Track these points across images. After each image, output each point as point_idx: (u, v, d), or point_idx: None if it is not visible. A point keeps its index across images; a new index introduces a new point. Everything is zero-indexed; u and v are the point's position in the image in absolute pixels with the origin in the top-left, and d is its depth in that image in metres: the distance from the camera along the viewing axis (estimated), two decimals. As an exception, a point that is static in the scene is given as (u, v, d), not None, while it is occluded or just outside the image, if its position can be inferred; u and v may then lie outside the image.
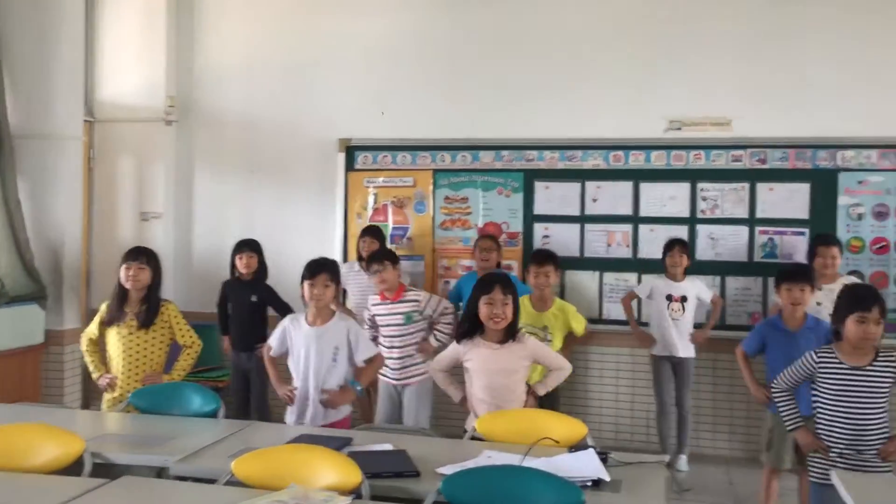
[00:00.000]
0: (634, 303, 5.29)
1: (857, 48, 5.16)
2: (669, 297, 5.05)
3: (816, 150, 5.20)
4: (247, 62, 6.14)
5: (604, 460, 2.71)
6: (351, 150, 5.92)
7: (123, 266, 4.07)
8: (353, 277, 5.39)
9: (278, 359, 3.87)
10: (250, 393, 5.18)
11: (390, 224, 5.86)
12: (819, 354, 3.20)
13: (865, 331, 3.06)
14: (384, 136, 5.87)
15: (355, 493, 2.38)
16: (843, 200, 5.16)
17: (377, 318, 4.61)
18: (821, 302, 4.46)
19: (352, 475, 2.42)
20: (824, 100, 5.18)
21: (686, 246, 5.10)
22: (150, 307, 4.07)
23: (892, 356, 3.14)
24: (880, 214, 5.11)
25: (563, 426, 3.10)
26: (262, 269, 5.24)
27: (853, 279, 4.82)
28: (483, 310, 3.41)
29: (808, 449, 3.28)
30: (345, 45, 5.96)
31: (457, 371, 3.60)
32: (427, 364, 4.59)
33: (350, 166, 5.93)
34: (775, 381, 3.39)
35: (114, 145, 6.15)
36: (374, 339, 4.55)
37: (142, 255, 4.10)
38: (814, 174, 5.21)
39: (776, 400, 3.40)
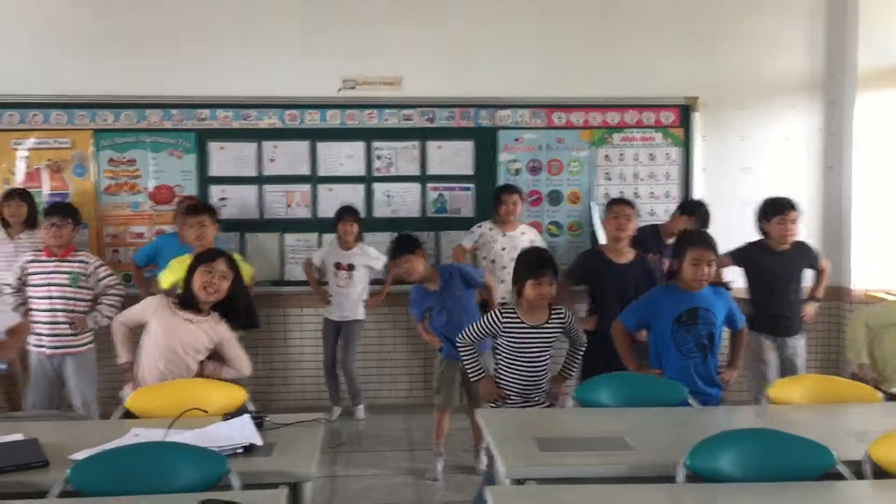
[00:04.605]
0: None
1: (515, 13, 5.49)
2: (337, 265, 5.15)
3: (479, 109, 5.51)
4: None
5: (259, 424, 2.67)
6: (-8, 108, 5.25)
7: None
8: None
9: None
10: None
11: (46, 190, 5.29)
12: (503, 314, 3.44)
13: (540, 292, 3.35)
14: (34, 92, 5.25)
15: (-37, 494, 2.11)
16: (502, 157, 5.54)
17: (35, 276, 4.22)
18: (504, 247, 4.93)
19: (-41, 475, 2.14)
20: (485, 61, 5.47)
21: (356, 214, 5.18)
22: None
23: (560, 311, 3.48)
24: (534, 169, 5.57)
25: (223, 394, 3.00)
26: None
27: (530, 228, 5.22)
28: (198, 278, 3.28)
29: (488, 398, 3.51)
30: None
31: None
32: (86, 336, 4.29)
33: (-8, 126, 5.26)
34: (461, 336, 3.56)
35: None
36: (21, 307, 4.15)
37: None
38: (477, 132, 5.52)
39: (461, 353, 3.58)
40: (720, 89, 5.58)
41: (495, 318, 3.44)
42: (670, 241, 4.77)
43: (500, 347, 3.48)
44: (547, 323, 3.44)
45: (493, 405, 3.50)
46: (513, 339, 3.42)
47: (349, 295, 5.16)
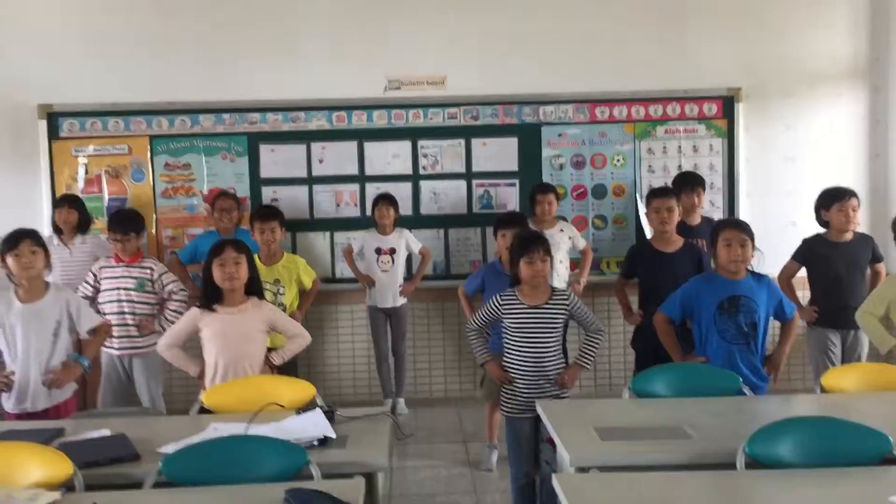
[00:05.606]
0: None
1: (555, 9, 5.54)
2: (378, 251, 5.27)
3: (522, 105, 5.59)
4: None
5: (331, 418, 2.80)
6: (54, 117, 5.44)
7: None
8: (54, 253, 4.98)
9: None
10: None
11: (106, 195, 5.49)
12: (503, 297, 3.54)
13: (534, 269, 3.44)
14: (92, 100, 5.45)
15: (66, 486, 2.26)
16: (546, 152, 5.62)
17: (105, 281, 4.43)
18: None
19: (61, 468, 2.29)
20: (527, 58, 5.53)
21: (392, 200, 5.31)
22: None
23: (564, 294, 3.56)
24: (578, 164, 5.64)
25: (291, 389, 3.14)
26: None
27: (569, 225, 5.29)
28: (216, 272, 3.40)
29: (497, 379, 3.61)
30: (38, 2, 5.44)
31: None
32: (152, 337, 4.44)
33: (54, 135, 5.45)
34: (468, 323, 3.70)
35: None
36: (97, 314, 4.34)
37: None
38: (520, 129, 5.60)
39: (468, 338, 3.70)
40: (764, 79, 5.59)
41: (496, 302, 3.55)
42: (693, 222, 4.80)
43: (505, 331, 3.57)
44: (546, 304, 3.49)
45: (505, 396, 3.56)
46: (514, 321, 3.50)
47: (394, 280, 5.30)
